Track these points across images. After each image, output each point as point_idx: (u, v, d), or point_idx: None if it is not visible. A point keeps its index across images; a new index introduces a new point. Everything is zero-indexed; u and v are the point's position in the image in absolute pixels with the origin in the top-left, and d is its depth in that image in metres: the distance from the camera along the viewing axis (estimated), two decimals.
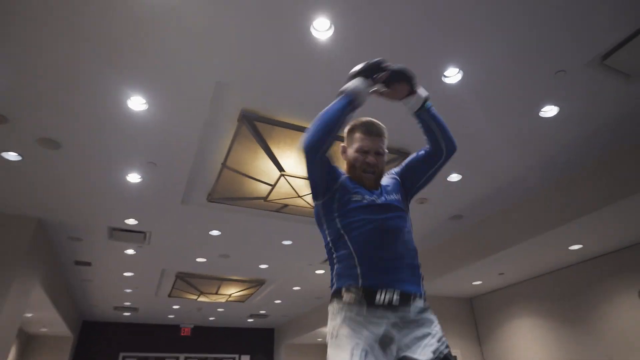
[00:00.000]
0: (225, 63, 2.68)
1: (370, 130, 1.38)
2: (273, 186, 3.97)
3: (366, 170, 1.36)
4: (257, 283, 7.55)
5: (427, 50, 2.62)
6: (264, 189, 4.10)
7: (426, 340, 1.13)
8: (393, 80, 1.35)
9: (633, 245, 4.86)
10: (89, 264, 6.13)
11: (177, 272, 6.78)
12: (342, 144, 1.46)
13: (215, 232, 5.21)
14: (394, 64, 1.36)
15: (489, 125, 3.37)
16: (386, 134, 1.41)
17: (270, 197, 4.18)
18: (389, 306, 1.14)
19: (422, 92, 1.38)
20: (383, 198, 1.34)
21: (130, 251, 5.72)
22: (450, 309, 7.05)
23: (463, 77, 2.82)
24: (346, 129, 1.45)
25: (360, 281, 1.19)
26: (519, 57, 2.69)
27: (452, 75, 2.81)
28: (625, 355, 4.76)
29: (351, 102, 1.27)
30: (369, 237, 1.24)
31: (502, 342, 6.55)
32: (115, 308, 8.81)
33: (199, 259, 6.16)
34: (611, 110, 3.21)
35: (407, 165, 1.48)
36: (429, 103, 1.38)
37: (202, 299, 8.28)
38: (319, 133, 1.23)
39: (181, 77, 2.78)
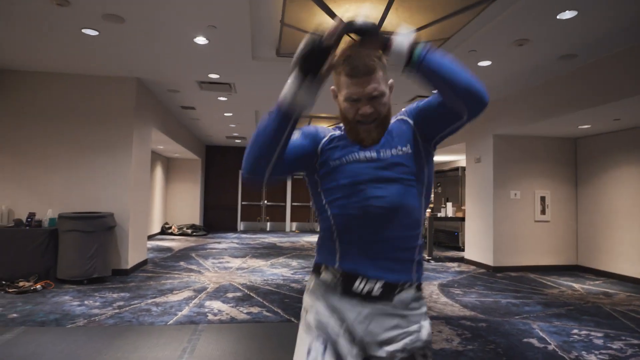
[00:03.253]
0: None
1: (355, 72, 0.97)
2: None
3: (363, 122, 1.01)
4: None
5: None
6: None
7: (396, 332, 0.99)
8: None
9: None
10: (193, 107, 6.88)
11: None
12: (332, 87, 1.08)
13: None
14: (342, 24, 0.91)
15: None
16: (380, 65, 0.99)
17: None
18: (367, 297, 0.98)
19: (400, 43, 0.92)
20: (382, 154, 1.03)
21: (222, 98, 6.19)
22: (549, 148, 6.44)
23: None
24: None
25: (337, 262, 1.03)
26: None
27: None
28: None
29: (286, 116, 0.93)
30: (349, 216, 1.02)
31: (600, 187, 6.05)
32: (228, 137, 10.11)
33: None
34: None
35: (420, 111, 1.08)
36: (420, 54, 0.92)
37: None
38: (254, 160, 0.96)
39: None
